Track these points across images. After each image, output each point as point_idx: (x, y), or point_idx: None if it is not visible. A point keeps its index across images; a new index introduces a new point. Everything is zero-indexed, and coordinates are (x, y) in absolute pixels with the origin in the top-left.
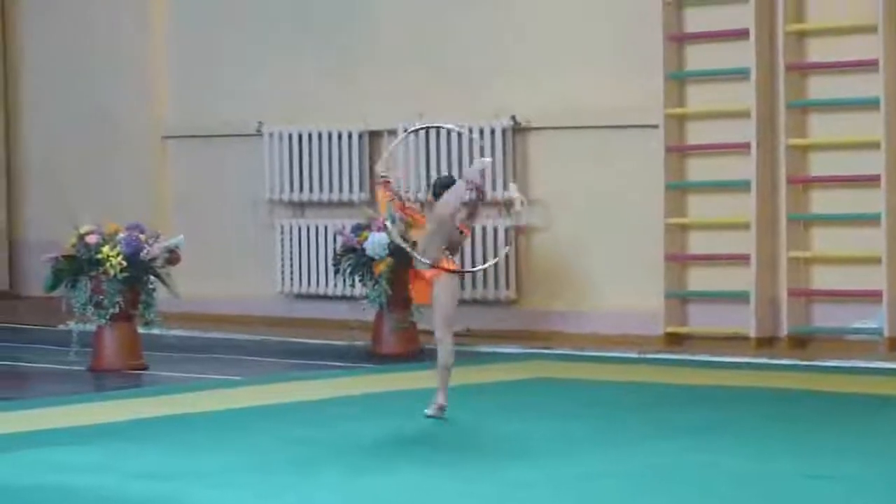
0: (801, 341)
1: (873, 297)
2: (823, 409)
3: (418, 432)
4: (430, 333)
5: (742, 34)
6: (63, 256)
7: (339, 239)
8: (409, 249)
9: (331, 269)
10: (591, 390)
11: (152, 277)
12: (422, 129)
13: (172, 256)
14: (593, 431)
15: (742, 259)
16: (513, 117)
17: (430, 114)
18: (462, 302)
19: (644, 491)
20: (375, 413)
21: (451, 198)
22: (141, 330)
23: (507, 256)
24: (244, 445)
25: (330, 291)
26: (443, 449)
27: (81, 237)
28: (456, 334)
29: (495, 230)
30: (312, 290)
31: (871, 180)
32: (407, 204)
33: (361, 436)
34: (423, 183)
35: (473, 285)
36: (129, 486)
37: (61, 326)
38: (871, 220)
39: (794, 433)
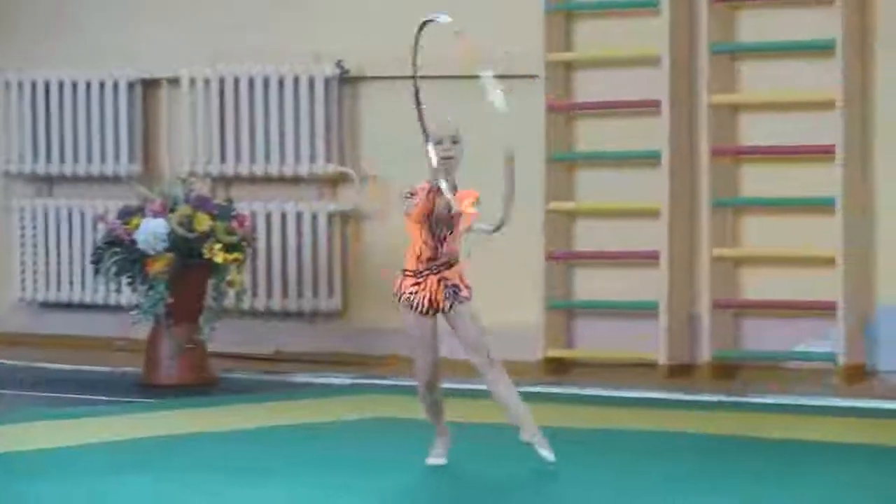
0: (727, 369)
1: (824, 309)
2: (758, 462)
3: (208, 490)
4: (224, 356)
5: None
6: None
7: (101, 227)
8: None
9: (89, 267)
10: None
11: None
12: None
13: None
14: (445, 489)
15: (649, 258)
16: (338, 63)
17: (227, 59)
18: (266, 315)
19: None
20: (146, 467)
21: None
22: None
23: (328, 254)
24: None
25: (88, 299)
26: None
27: None
28: (263, 358)
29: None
30: (64, 297)
31: (823, 153)
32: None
33: (129, 498)
34: None
35: (284, 292)
36: None
37: None
38: (822, 205)
39: (719, 495)
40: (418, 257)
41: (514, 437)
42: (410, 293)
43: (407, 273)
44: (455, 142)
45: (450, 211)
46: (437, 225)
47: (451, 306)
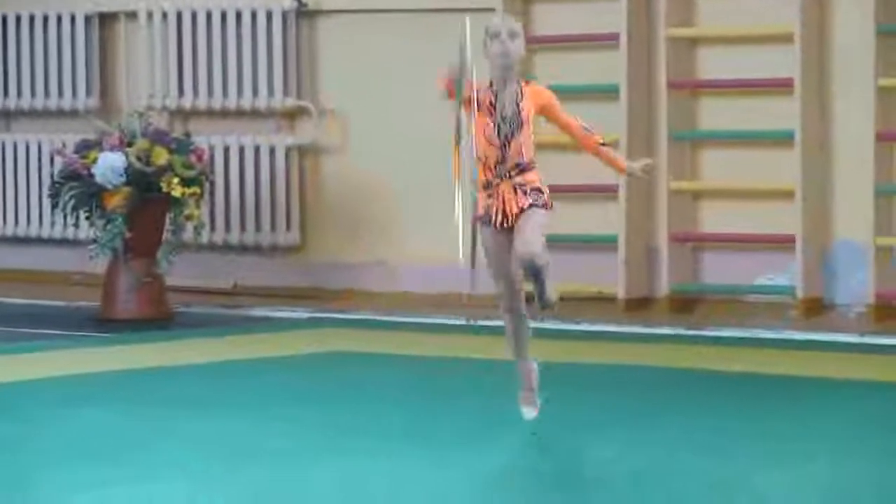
0: (686, 303)
1: (783, 243)
2: (718, 395)
3: (164, 425)
4: (182, 290)
5: None
6: None
7: (58, 161)
8: None
9: (46, 202)
10: (399, 368)
11: None
12: None
13: None
14: (397, 423)
15: (607, 192)
16: None
17: None
18: (223, 248)
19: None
20: (102, 401)
21: None
22: None
23: (286, 188)
24: None
25: (45, 233)
26: (205, 447)
27: None
28: (220, 292)
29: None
30: (21, 231)
31: (781, 86)
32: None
33: (83, 431)
34: None
35: (242, 226)
36: None
37: None
38: (781, 139)
39: (679, 425)
40: (485, 164)
41: (477, 372)
42: (485, 207)
43: (479, 186)
44: (513, 35)
45: (517, 106)
46: (503, 122)
47: (525, 208)
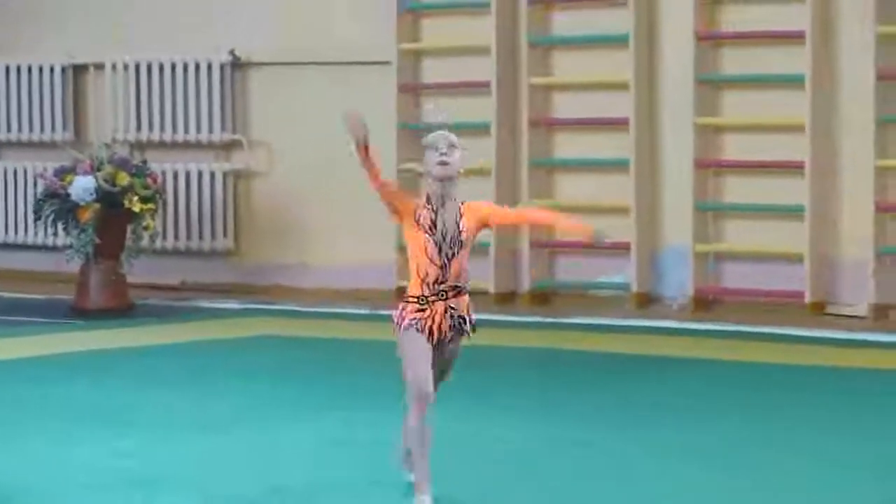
0: (544, 297)
1: (621, 249)
2: (569, 368)
3: (125, 395)
4: (140, 286)
5: None
6: None
7: (41, 183)
8: None
9: (31, 216)
10: (315, 349)
11: None
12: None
13: None
14: (307, 394)
15: None
16: (231, 52)
17: (142, 49)
18: (173, 253)
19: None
20: (78, 374)
21: None
22: None
23: (223, 205)
24: None
25: (30, 241)
26: (157, 414)
27: None
28: (171, 287)
29: (212, 175)
30: (10, 238)
31: (618, 123)
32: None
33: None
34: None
35: (188, 234)
36: None
37: None
38: (617, 165)
39: (542, 395)
40: (423, 280)
41: (377, 353)
42: (414, 319)
43: (410, 299)
44: (452, 147)
45: (458, 225)
46: (444, 241)
47: (450, 339)
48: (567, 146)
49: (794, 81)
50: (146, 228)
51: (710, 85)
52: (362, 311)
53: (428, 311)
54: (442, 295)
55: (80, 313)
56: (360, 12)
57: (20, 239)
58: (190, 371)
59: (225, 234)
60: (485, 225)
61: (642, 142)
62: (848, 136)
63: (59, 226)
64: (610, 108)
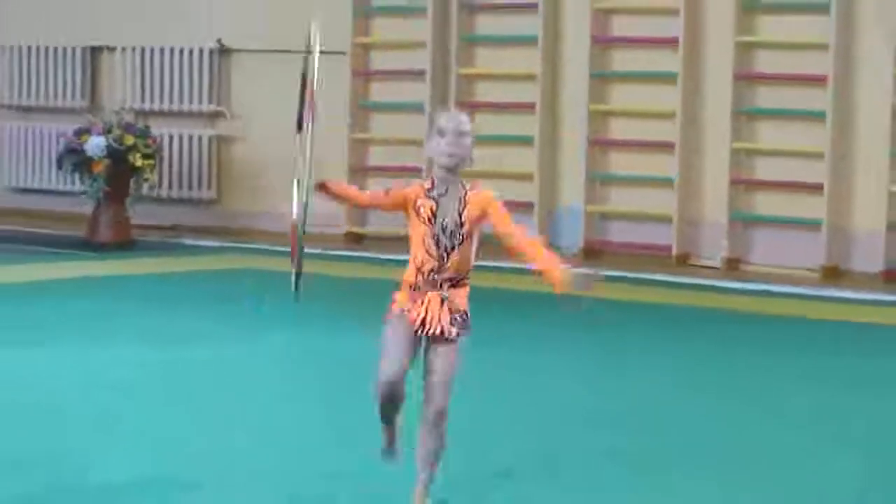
0: None
1: (525, 208)
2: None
3: (122, 310)
4: (141, 226)
5: None
6: None
7: (63, 140)
8: None
9: (54, 166)
10: (281, 280)
11: None
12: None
13: None
14: (271, 318)
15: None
16: (218, 40)
17: (147, 35)
18: (168, 200)
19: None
20: (88, 294)
21: None
22: None
23: (209, 163)
24: None
25: (52, 186)
26: (147, 327)
27: None
28: (166, 228)
29: (200, 139)
30: (37, 184)
31: (526, 107)
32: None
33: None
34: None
35: (180, 185)
36: None
37: None
38: (523, 141)
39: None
40: (419, 268)
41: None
42: (403, 309)
43: (403, 286)
44: (462, 134)
45: (459, 216)
46: (443, 234)
47: (445, 338)
48: (487, 125)
49: (666, 77)
50: (146, 180)
51: (600, 79)
52: (316, 251)
53: (420, 302)
54: (437, 286)
55: (91, 246)
56: (322, 12)
57: (44, 185)
58: (178, 294)
59: (209, 187)
60: (482, 220)
61: (546, 124)
62: (711, 124)
63: (76, 175)
64: (522, 95)
